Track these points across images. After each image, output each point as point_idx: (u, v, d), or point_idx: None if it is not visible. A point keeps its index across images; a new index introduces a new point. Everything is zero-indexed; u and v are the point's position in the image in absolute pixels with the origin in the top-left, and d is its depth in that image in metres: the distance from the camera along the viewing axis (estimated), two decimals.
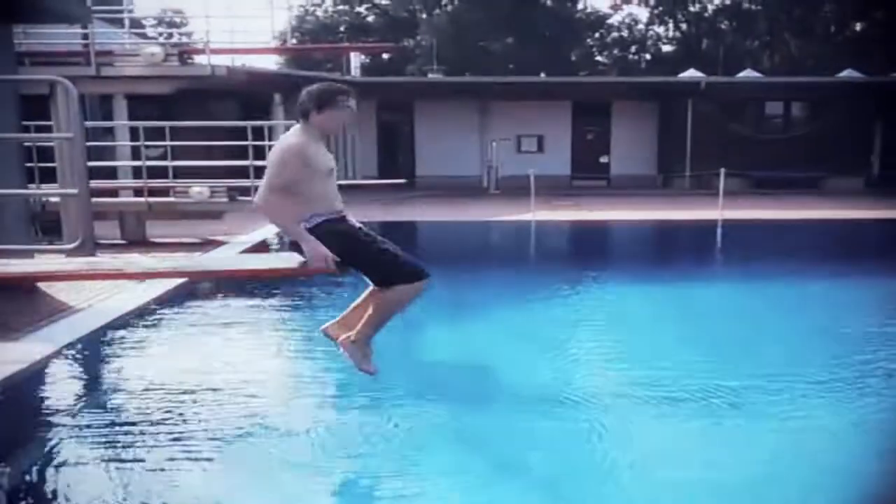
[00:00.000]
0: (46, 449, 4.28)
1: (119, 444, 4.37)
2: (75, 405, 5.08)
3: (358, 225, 4.52)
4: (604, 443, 4.46)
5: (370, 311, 4.45)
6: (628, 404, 5.07)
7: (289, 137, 4.34)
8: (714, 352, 6.44)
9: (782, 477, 4.10)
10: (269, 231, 13.41)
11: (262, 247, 11.58)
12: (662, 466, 4.24)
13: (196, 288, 8.56)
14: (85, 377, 5.88)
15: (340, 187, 4.64)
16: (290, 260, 4.66)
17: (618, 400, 5.17)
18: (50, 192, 9.93)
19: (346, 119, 4.46)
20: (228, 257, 6.01)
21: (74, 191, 8.30)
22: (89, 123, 14.36)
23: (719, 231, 15.23)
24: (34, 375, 5.42)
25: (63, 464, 4.10)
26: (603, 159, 27.57)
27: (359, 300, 4.65)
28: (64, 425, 4.64)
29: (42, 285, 7.71)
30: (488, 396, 5.24)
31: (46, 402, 5.20)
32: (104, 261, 7.17)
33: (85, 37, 15.93)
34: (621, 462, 4.28)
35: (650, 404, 5.06)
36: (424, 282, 4.38)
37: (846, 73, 26.49)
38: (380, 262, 4.36)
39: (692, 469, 4.22)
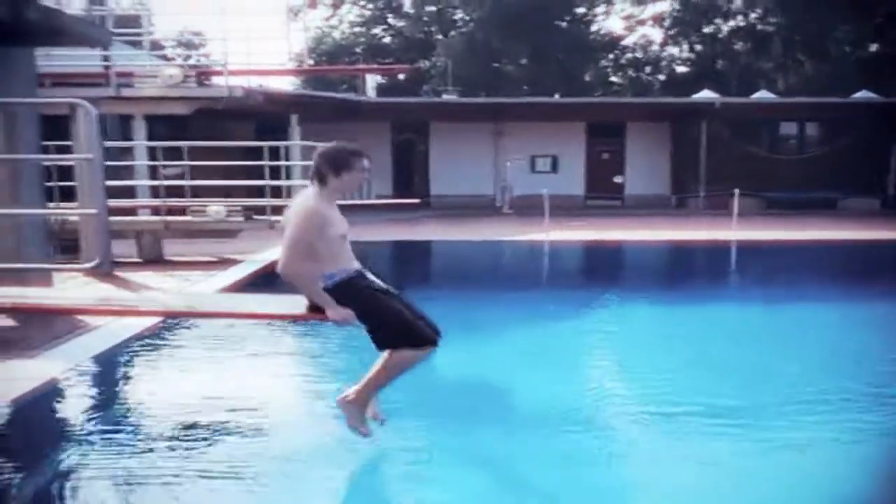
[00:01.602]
0: (60, 464, 4.31)
1: (131, 462, 4.40)
2: (88, 422, 5.11)
3: (376, 282, 4.52)
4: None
5: (372, 371, 4.42)
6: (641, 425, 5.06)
7: (307, 202, 4.32)
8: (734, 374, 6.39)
9: None
10: None
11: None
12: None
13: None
14: (99, 395, 5.91)
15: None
16: (302, 304, 4.62)
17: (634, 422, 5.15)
18: (70, 212, 10.06)
19: (361, 180, 4.48)
20: (241, 298, 6.02)
21: (94, 210, 8.43)
22: (108, 143, 14.51)
23: (733, 252, 15.17)
24: (50, 392, 5.47)
25: (76, 480, 4.14)
26: (617, 179, 27.57)
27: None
28: (78, 442, 4.68)
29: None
30: (504, 418, 5.24)
31: (60, 419, 5.25)
32: (121, 296, 7.22)
33: (106, 58, 16.15)
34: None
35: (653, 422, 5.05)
36: (431, 349, 4.34)
37: (861, 94, 26.43)
38: (392, 326, 4.31)
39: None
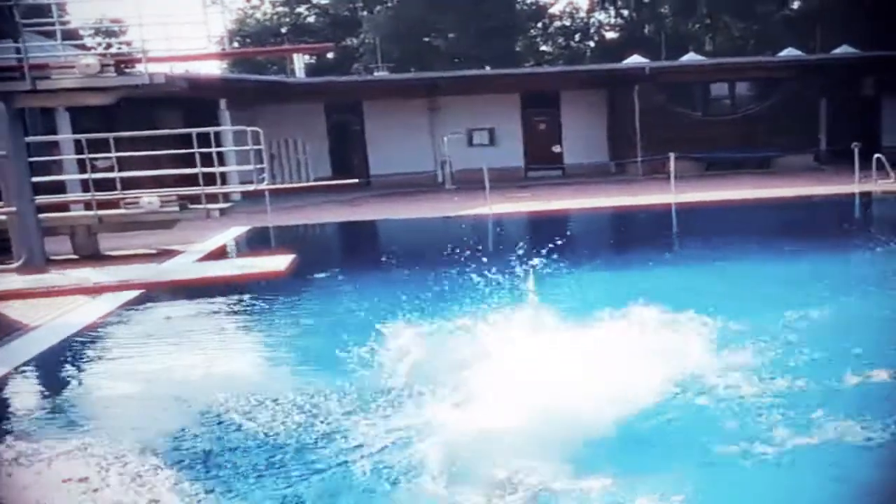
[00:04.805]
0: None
1: (76, 460, 4.35)
2: (30, 423, 5.03)
3: None
4: None
5: None
6: None
7: None
8: None
9: None
10: (225, 237, 13.34)
11: (219, 253, 11.48)
12: None
13: (149, 300, 8.51)
14: (40, 395, 5.82)
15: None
16: (244, 266, 4.62)
17: None
18: None
19: None
20: (180, 266, 5.96)
21: (13, 208, 8.22)
22: (31, 138, 14.06)
23: (674, 215, 15.50)
24: None
25: (15, 481, 4.08)
26: (556, 149, 27.78)
27: None
28: (19, 442, 4.60)
29: None
30: None
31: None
32: (49, 277, 7.09)
33: (17, 51, 15.57)
34: None
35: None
36: None
37: (788, 52, 27.10)
38: None
39: None
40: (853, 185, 17.14)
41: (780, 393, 4.99)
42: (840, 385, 5.14)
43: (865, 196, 16.56)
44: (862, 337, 6.25)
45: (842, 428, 4.46)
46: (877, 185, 16.86)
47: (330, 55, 40.32)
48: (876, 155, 17.45)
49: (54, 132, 15.95)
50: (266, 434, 4.68)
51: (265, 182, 15.37)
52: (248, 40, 42.16)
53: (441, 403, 4.89)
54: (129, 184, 12.21)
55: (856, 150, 17.54)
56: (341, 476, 4.15)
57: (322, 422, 4.79)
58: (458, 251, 7.25)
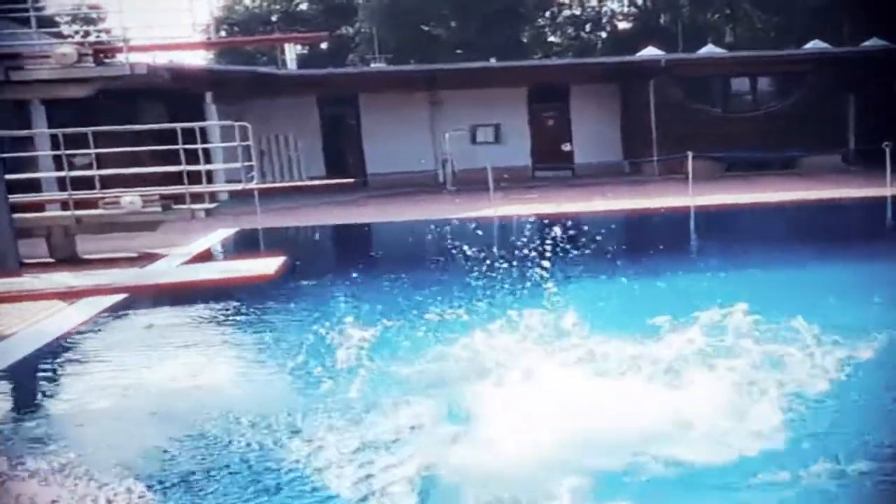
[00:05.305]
0: None
1: (49, 477, 4.34)
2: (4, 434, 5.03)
3: None
4: None
5: None
6: None
7: None
8: None
9: None
10: (211, 240, 13.30)
11: (205, 257, 11.45)
12: None
13: (129, 307, 8.49)
14: (10, 409, 5.81)
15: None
16: (230, 269, 4.60)
17: None
18: None
19: None
20: (163, 270, 5.95)
21: None
22: (3, 133, 14.03)
23: (692, 219, 15.44)
24: None
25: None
26: (565, 147, 27.72)
27: None
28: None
29: None
30: None
31: None
32: (20, 281, 7.05)
33: None
34: None
35: None
36: None
37: (813, 45, 27.06)
38: None
39: None
40: (885, 188, 17.07)
41: None
42: None
43: None
44: None
45: None
46: None
47: (323, 45, 40.35)
48: None
49: (29, 126, 15.91)
50: (251, 454, 4.65)
51: (254, 181, 15.35)
52: (236, 29, 42.18)
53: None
54: (108, 182, 12.16)
55: (888, 150, 17.50)
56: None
57: (307, 440, 4.75)
58: (464, 258, 7.19)
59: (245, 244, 14.47)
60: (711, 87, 26.21)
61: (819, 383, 5.34)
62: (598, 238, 14.44)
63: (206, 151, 13.11)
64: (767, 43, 34.65)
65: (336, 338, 5.92)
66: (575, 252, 7.58)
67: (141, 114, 19.05)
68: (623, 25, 46.60)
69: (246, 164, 13.49)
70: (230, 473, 4.45)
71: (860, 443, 4.60)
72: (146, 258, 11.09)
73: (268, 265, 6.75)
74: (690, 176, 17.39)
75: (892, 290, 8.56)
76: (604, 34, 46.33)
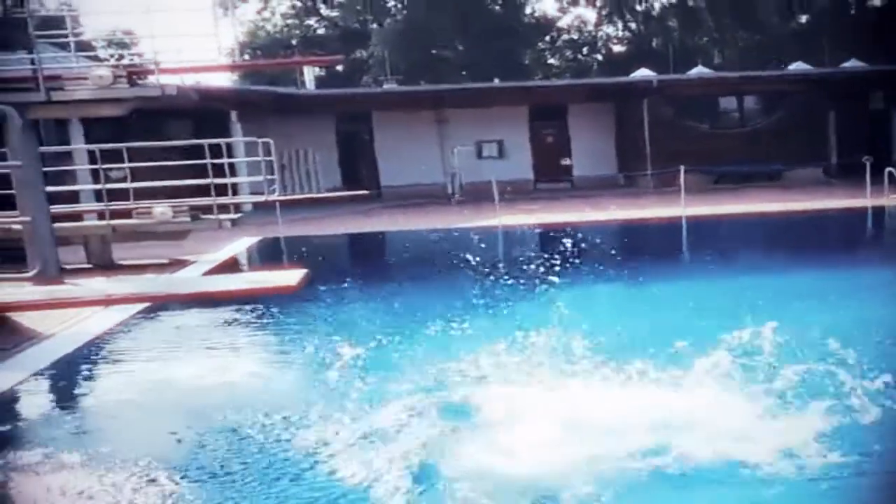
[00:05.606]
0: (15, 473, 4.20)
1: (89, 468, 4.32)
2: (45, 430, 5.02)
3: None
4: None
5: None
6: None
7: None
8: None
9: None
10: (236, 248, 13.32)
11: (230, 264, 11.47)
12: None
13: (160, 310, 8.51)
14: (55, 403, 5.81)
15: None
16: (255, 280, 4.59)
17: None
18: (4, 220, 9.73)
19: None
20: (192, 279, 5.97)
21: (28, 218, 8.22)
22: (45, 149, 14.09)
23: (684, 229, 15.41)
24: (4, 403, 5.36)
25: (32, 487, 4.06)
26: (565, 162, 27.76)
27: None
28: (35, 449, 4.58)
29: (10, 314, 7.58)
30: None
31: (15, 429, 5.12)
32: (62, 289, 7.09)
33: (32, 62, 15.64)
34: None
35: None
36: None
37: (796, 66, 27.05)
38: None
39: None
40: (866, 200, 17.04)
41: None
42: None
43: (879, 210, 16.42)
44: None
45: None
46: (889, 200, 16.76)
47: (339, 67, 40.42)
48: (888, 169, 17.35)
49: (68, 143, 16.02)
50: (282, 449, 4.64)
51: (276, 193, 15.37)
52: (258, 52, 42.32)
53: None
54: (141, 194, 12.21)
55: (867, 164, 17.47)
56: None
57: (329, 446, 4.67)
58: (473, 262, 7.21)
59: (268, 251, 14.51)
60: (701, 105, 26.22)
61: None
62: (599, 244, 14.49)
63: (232, 165, 13.13)
64: (754, 64, 34.57)
65: (356, 336, 5.93)
66: (577, 258, 7.59)
67: (171, 131, 19.13)
68: (618, 48, 46.62)
69: (268, 177, 13.50)
70: (262, 468, 4.43)
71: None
72: (176, 264, 11.13)
73: (290, 277, 6.79)
74: (683, 188, 17.36)
75: (867, 293, 8.59)
76: (599, 56, 46.37)
